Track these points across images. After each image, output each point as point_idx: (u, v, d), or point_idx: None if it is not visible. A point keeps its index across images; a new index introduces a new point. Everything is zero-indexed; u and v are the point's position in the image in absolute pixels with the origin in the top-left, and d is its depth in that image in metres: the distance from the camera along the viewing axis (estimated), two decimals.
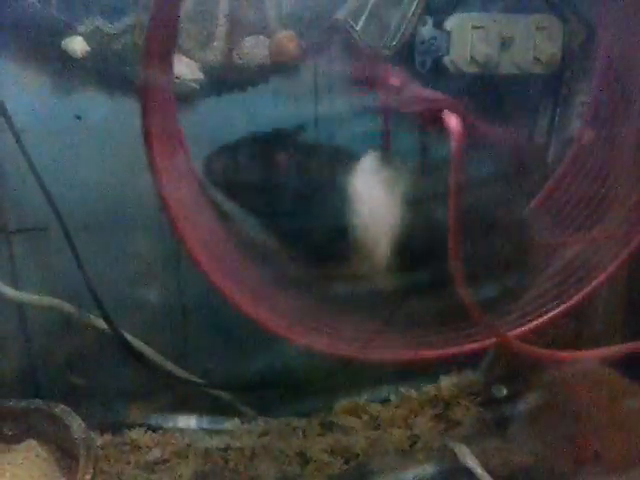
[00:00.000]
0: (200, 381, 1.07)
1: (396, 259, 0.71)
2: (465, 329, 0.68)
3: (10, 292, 0.95)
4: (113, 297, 0.96)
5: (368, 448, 1.04)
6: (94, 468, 0.85)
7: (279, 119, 0.92)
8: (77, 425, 0.90)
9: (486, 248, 0.69)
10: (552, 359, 0.67)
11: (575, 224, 0.79)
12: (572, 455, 0.84)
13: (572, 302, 0.67)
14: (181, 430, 1.08)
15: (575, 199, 0.81)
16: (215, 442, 1.06)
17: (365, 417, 1.12)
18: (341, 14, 0.91)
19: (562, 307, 0.67)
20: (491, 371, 1.12)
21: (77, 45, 0.84)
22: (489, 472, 0.87)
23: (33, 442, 0.94)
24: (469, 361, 1.15)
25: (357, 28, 0.90)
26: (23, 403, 0.94)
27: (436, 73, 0.94)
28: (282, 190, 0.73)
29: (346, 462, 1.02)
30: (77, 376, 1.03)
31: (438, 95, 0.68)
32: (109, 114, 0.90)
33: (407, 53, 0.93)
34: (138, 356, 1.00)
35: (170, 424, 1.08)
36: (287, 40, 0.91)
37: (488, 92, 0.97)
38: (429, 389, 1.16)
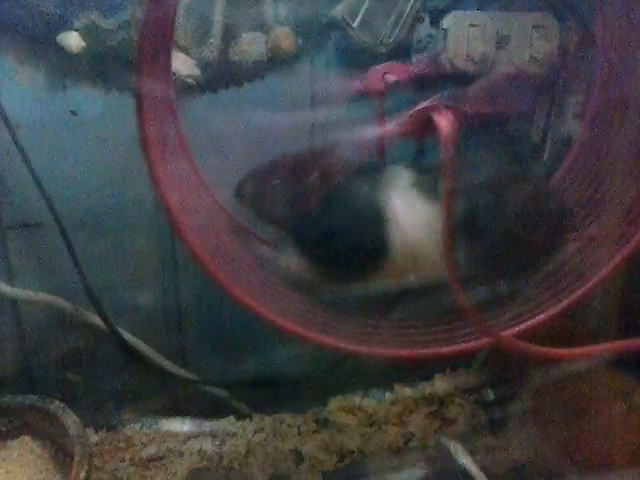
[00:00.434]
0: (196, 378, 1.07)
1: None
2: (459, 328, 0.68)
3: (5, 288, 0.95)
4: (109, 294, 0.95)
5: (363, 446, 1.05)
6: (89, 465, 0.85)
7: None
8: (72, 422, 0.90)
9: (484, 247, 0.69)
10: (547, 357, 0.67)
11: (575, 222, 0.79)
12: (567, 453, 0.85)
13: (569, 301, 0.67)
14: (176, 427, 1.08)
15: (572, 199, 0.81)
16: (210, 439, 1.06)
17: (360, 414, 1.12)
18: (337, 11, 0.91)
19: (559, 306, 0.67)
20: (485, 369, 1.12)
21: (72, 40, 0.84)
22: (483, 470, 0.87)
23: (28, 438, 0.94)
24: (463, 359, 1.15)
25: (353, 25, 0.90)
26: (18, 399, 0.94)
27: (432, 71, 0.94)
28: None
29: (340, 459, 1.03)
30: (72, 373, 1.03)
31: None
32: (105, 110, 0.90)
33: (403, 51, 0.92)
34: (133, 353, 1.00)
35: (165, 421, 1.08)
36: (284, 37, 0.91)
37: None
38: (424, 387, 1.16)
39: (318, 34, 0.92)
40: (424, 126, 0.68)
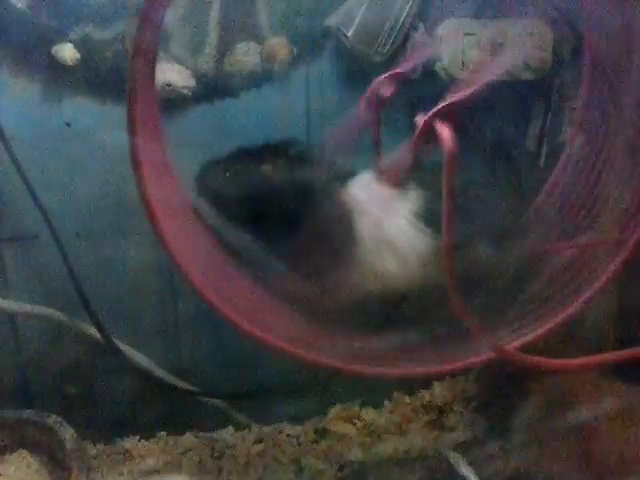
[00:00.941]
0: (194, 389, 1.06)
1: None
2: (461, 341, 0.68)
3: (2, 302, 0.94)
4: (105, 306, 0.95)
5: (362, 455, 1.04)
6: (87, 479, 0.84)
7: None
8: (69, 436, 0.90)
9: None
10: (547, 367, 0.67)
11: (568, 231, 0.79)
12: (569, 462, 0.84)
13: (568, 312, 0.67)
14: (174, 439, 1.07)
15: (568, 206, 0.81)
16: (208, 451, 1.05)
17: (359, 424, 1.11)
18: (332, 20, 0.92)
19: (559, 317, 0.67)
20: (483, 377, 1.12)
21: (67, 52, 0.84)
22: None
23: (25, 453, 0.94)
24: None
25: (348, 34, 0.90)
26: (15, 414, 0.94)
27: (427, 79, 0.94)
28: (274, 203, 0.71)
29: (340, 469, 1.02)
30: (70, 385, 1.02)
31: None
32: (100, 122, 0.90)
33: (399, 59, 0.92)
34: (131, 365, 0.99)
35: (163, 433, 1.08)
36: (279, 46, 0.91)
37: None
38: (423, 395, 1.15)
39: (313, 44, 0.92)
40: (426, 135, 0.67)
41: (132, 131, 0.58)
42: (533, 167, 1.02)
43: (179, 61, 0.88)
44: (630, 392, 0.88)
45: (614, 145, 0.79)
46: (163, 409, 1.07)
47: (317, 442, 1.08)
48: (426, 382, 1.17)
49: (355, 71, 0.95)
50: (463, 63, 0.92)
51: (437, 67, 0.93)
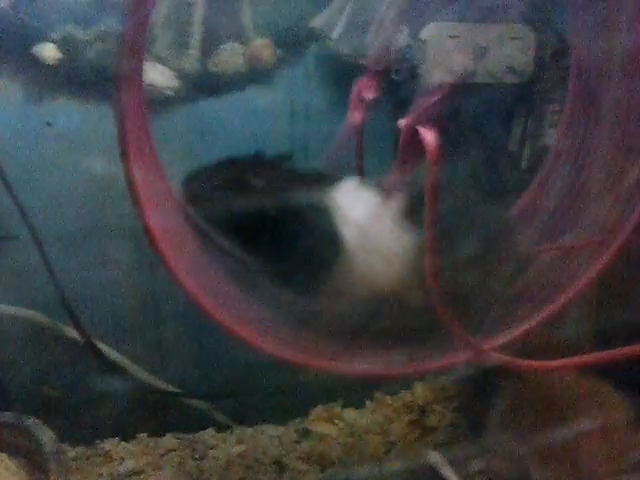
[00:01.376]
0: (175, 390, 1.06)
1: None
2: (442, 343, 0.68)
3: None
4: (86, 307, 0.94)
5: (344, 456, 1.04)
6: None
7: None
8: (48, 438, 0.89)
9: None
10: (529, 369, 0.67)
11: (551, 233, 0.80)
12: (548, 461, 0.85)
13: (550, 310, 0.68)
14: (155, 440, 1.07)
15: (551, 207, 0.82)
16: (190, 452, 1.05)
17: (340, 424, 1.12)
18: (316, 22, 0.91)
19: (538, 316, 0.68)
20: (464, 377, 1.13)
21: (48, 52, 0.83)
22: None
23: (3, 455, 0.93)
24: None
25: (332, 37, 0.90)
26: None
27: (411, 82, 0.94)
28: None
29: (322, 470, 1.02)
30: (49, 387, 1.01)
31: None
32: (82, 121, 0.89)
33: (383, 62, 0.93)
34: (112, 366, 0.99)
35: (144, 434, 1.07)
36: (263, 47, 0.91)
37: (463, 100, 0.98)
38: (404, 395, 1.16)
39: (297, 45, 0.92)
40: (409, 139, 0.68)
41: (122, 130, 0.56)
42: (515, 169, 1.03)
43: (162, 61, 0.87)
44: (608, 390, 0.90)
45: (598, 147, 0.80)
46: (143, 410, 1.06)
47: (299, 443, 1.09)
48: (407, 382, 1.17)
49: (339, 73, 0.95)
50: (447, 66, 0.93)
51: (421, 69, 0.93)
